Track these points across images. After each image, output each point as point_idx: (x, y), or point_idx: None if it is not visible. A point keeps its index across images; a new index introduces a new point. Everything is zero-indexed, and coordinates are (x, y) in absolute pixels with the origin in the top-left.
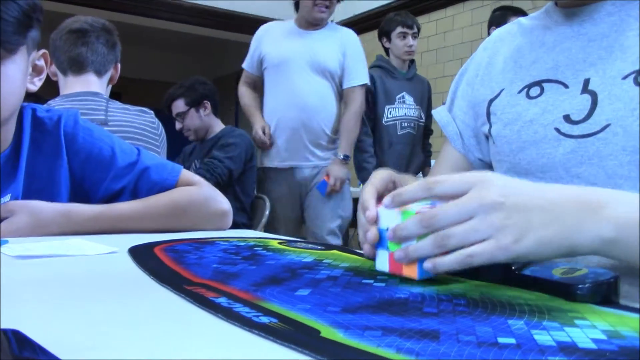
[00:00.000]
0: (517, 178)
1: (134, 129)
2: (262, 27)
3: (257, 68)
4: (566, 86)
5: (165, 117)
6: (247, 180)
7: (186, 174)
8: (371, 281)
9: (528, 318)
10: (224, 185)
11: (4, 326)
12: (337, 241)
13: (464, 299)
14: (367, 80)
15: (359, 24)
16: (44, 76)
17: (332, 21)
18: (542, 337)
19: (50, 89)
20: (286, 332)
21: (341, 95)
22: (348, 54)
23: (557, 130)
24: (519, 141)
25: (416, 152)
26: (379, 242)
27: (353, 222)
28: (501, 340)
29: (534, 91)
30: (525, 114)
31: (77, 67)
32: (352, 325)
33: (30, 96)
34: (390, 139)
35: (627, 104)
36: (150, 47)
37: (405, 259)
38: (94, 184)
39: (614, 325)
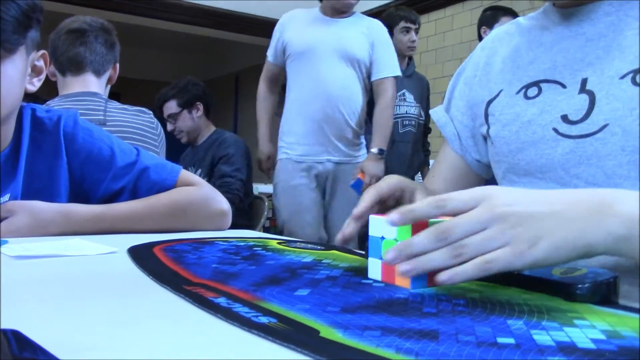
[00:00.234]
0: (518, 186)
1: (132, 129)
2: (285, 15)
3: (279, 57)
4: (564, 86)
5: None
6: (247, 182)
7: (185, 174)
8: (370, 281)
9: (527, 318)
10: (242, 197)
11: (3, 326)
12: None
13: (463, 299)
14: (398, 72)
15: None
16: (43, 77)
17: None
18: (542, 337)
19: (48, 90)
20: (285, 332)
21: (368, 87)
22: (377, 44)
23: (555, 130)
24: (517, 142)
25: (417, 150)
26: (372, 250)
27: None
28: (500, 340)
29: (532, 91)
30: (524, 115)
31: (75, 67)
32: (352, 325)
33: (28, 96)
34: (392, 137)
35: (626, 103)
36: (149, 47)
37: (416, 271)
38: (94, 184)
39: (613, 326)
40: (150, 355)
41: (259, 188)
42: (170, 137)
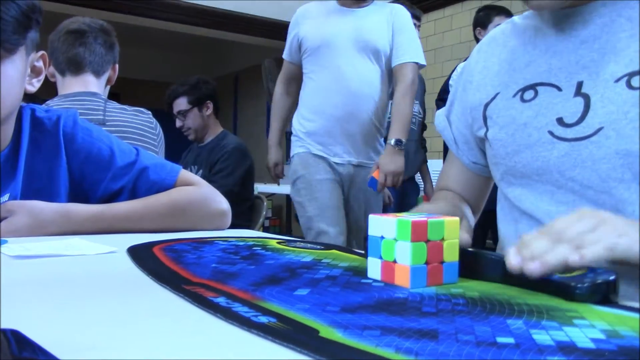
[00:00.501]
0: (516, 188)
1: (131, 129)
2: (299, 10)
3: (295, 54)
4: (559, 89)
5: (164, 118)
6: (248, 186)
7: (185, 174)
8: (370, 281)
9: (527, 317)
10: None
11: (3, 326)
12: None
13: (462, 298)
14: (420, 60)
15: None
16: (42, 77)
17: None
18: (541, 337)
19: (47, 90)
20: (285, 332)
21: (391, 80)
22: (397, 29)
23: (551, 133)
24: (514, 144)
25: (418, 148)
26: (371, 250)
27: None
28: (500, 339)
29: (528, 94)
30: (520, 117)
31: (74, 67)
32: (351, 324)
33: (27, 96)
34: None
35: (620, 107)
36: (148, 47)
37: (542, 268)
38: (93, 183)
39: (612, 325)
40: (149, 354)
41: (259, 188)
42: (171, 137)
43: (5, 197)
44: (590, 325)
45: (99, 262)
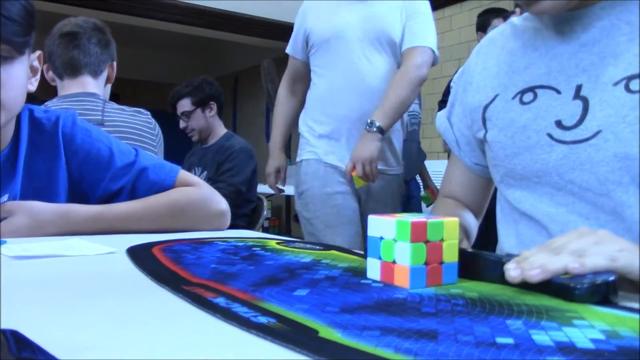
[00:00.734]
0: (515, 190)
1: (130, 129)
2: (306, 2)
3: (302, 50)
4: (559, 92)
5: (164, 118)
6: (252, 188)
7: (184, 175)
8: (369, 281)
9: (526, 318)
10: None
11: (2, 326)
12: None
13: (462, 299)
14: (431, 45)
15: None
16: (39, 76)
17: None
18: (540, 337)
19: (46, 91)
20: (284, 332)
21: None
22: (410, 14)
23: (550, 136)
24: (513, 147)
25: (419, 149)
26: (371, 251)
27: None
28: (499, 340)
29: (527, 97)
30: (519, 120)
31: (71, 70)
32: (351, 325)
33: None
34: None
35: (618, 110)
36: (147, 48)
37: (542, 275)
38: (92, 184)
39: (612, 326)
40: (149, 355)
41: (258, 188)
42: (173, 138)
43: (5, 197)
44: (590, 325)
45: (99, 263)
